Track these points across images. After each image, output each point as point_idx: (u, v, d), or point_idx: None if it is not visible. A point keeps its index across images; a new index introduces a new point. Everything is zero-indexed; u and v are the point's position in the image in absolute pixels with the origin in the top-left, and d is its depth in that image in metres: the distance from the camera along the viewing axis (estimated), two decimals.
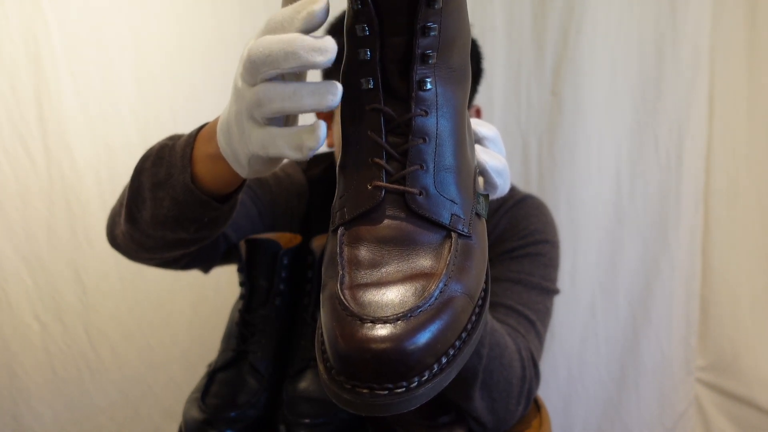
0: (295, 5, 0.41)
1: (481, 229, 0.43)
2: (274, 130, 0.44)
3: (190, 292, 1.31)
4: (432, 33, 0.38)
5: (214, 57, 1.26)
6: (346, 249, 0.39)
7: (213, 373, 0.73)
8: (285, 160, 0.67)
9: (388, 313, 0.33)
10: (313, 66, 0.39)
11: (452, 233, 0.39)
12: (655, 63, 1.34)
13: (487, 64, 0.96)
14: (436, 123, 0.40)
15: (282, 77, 0.43)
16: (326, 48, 0.39)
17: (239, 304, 0.79)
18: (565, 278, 1.36)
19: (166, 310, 1.31)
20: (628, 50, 1.34)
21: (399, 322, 0.33)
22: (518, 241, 0.85)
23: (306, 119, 0.47)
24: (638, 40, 1.33)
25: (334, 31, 0.86)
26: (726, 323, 1.39)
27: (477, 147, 0.49)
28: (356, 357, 0.32)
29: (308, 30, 0.40)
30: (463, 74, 0.43)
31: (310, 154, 0.42)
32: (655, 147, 1.37)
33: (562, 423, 1.45)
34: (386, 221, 0.39)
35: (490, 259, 0.82)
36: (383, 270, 0.37)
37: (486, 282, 0.42)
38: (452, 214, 0.40)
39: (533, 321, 0.78)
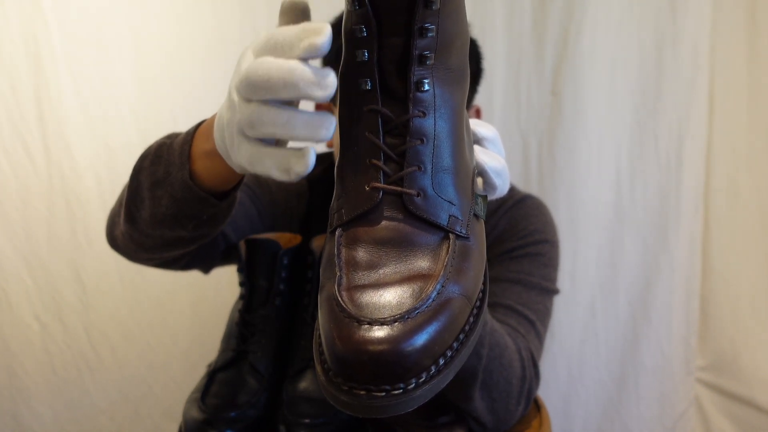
0: (298, 28, 0.40)
1: (479, 230, 0.43)
2: (264, 149, 0.44)
3: (190, 292, 1.31)
4: (430, 34, 0.38)
5: (214, 57, 1.26)
6: (343, 250, 0.39)
7: (213, 373, 0.73)
8: None
9: (386, 314, 0.33)
10: (311, 99, 0.39)
11: (450, 234, 0.39)
12: (655, 63, 1.33)
13: (487, 64, 0.96)
14: (434, 124, 0.40)
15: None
16: (326, 84, 0.39)
17: (239, 304, 0.79)
18: (565, 278, 1.36)
19: (166, 310, 1.31)
20: (628, 50, 1.34)
21: (396, 323, 0.33)
22: (518, 241, 0.85)
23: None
24: (638, 40, 1.33)
25: (335, 31, 0.86)
26: (726, 323, 1.39)
27: (476, 147, 0.49)
28: (353, 359, 0.32)
29: (309, 59, 0.40)
30: (462, 75, 0.43)
31: (297, 178, 0.42)
32: (655, 147, 1.36)
33: (562, 423, 1.45)
34: (384, 222, 0.39)
35: (490, 259, 0.82)
36: (381, 271, 0.37)
37: (484, 283, 0.42)
38: (450, 216, 0.40)
39: (533, 321, 0.78)
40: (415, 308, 0.34)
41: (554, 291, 0.85)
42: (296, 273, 0.80)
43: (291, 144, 0.46)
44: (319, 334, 0.37)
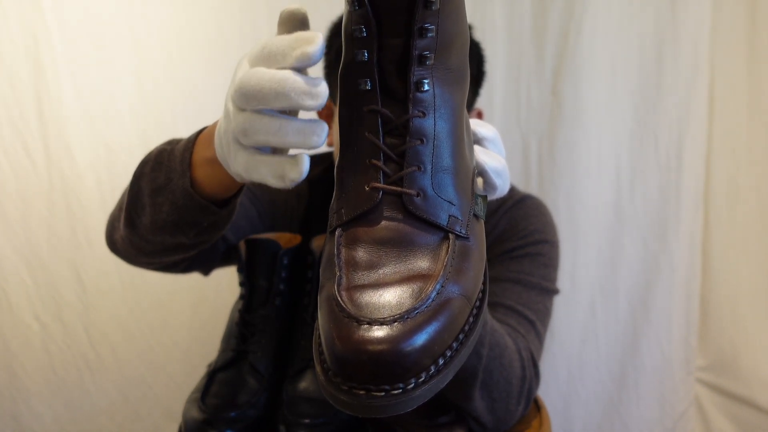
0: (291, 38, 0.41)
1: (479, 230, 0.43)
2: (259, 157, 0.44)
3: (191, 293, 1.31)
4: (429, 34, 0.38)
5: (215, 57, 1.26)
6: (343, 250, 0.39)
7: (213, 373, 0.73)
8: None
9: (385, 314, 0.33)
10: (303, 109, 0.40)
11: (450, 234, 0.39)
12: (655, 63, 1.34)
13: (487, 65, 0.96)
14: (433, 124, 0.40)
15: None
16: (318, 93, 0.40)
17: (239, 304, 0.79)
18: (565, 278, 1.36)
19: (166, 310, 1.31)
20: (628, 50, 1.34)
21: (396, 323, 0.33)
22: (518, 241, 0.85)
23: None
24: (638, 40, 1.33)
25: (336, 31, 0.86)
26: (726, 323, 1.39)
27: (476, 147, 0.49)
28: (353, 358, 0.32)
29: (302, 68, 0.41)
30: (461, 75, 0.43)
31: (292, 185, 0.43)
32: (655, 147, 1.37)
33: (562, 423, 1.45)
34: (384, 222, 0.39)
35: (490, 260, 0.82)
36: (380, 271, 0.37)
37: (484, 283, 0.42)
38: (450, 216, 0.40)
39: (533, 321, 0.78)
40: (415, 308, 0.34)
41: (554, 291, 0.85)
42: (296, 273, 0.80)
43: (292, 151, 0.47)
44: (319, 334, 0.37)
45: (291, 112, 0.46)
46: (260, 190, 0.90)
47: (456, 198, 0.41)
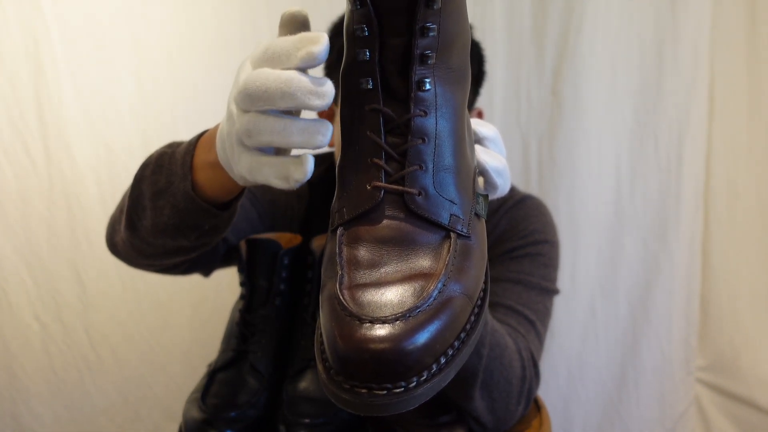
0: (295, 38, 0.41)
1: (481, 229, 0.43)
2: (263, 158, 0.45)
3: (191, 293, 1.31)
4: (431, 33, 0.38)
5: (215, 57, 1.26)
6: (345, 249, 0.39)
7: (213, 373, 0.73)
8: None
9: (387, 313, 0.34)
10: (309, 108, 0.40)
11: (451, 233, 0.39)
12: (655, 63, 1.34)
13: (487, 65, 0.96)
14: (435, 123, 0.40)
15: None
16: (324, 93, 0.40)
17: (239, 304, 0.79)
18: (565, 278, 1.36)
19: (166, 310, 1.31)
20: (628, 50, 1.34)
21: (398, 322, 0.33)
22: (518, 241, 0.85)
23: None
24: (638, 40, 1.33)
25: (337, 31, 0.86)
26: (726, 323, 1.39)
27: (477, 147, 0.49)
28: (355, 357, 0.32)
29: (307, 68, 0.41)
30: (463, 74, 0.43)
31: (297, 185, 0.43)
32: (655, 147, 1.37)
33: (562, 423, 1.45)
34: (385, 221, 0.39)
35: (490, 259, 0.82)
36: (382, 270, 0.37)
37: (485, 282, 0.42)
38: (451, 215, 0.40)
39: (533, 321, 0.78)
40: (417, 307, 0.34)
41: (554, 291, 0.85)
42: (296, 273, 0.80)
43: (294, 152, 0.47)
44: (321, 333, 0.37)
45: (294, 113, 0.46)
46: (261, 190, 0.90)
47: (457, 197, 0.41)
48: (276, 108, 0.41)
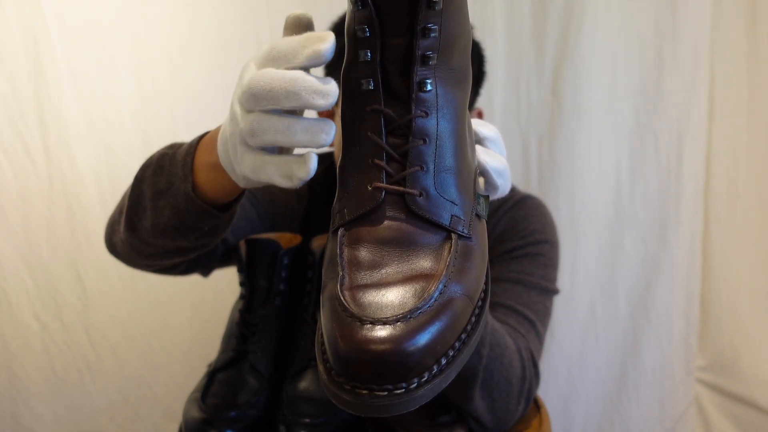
0: (302, 37, 0.41)
1: (481, 230, 0.43)
2: (266, 157, 0.45)
3: (191, 293, 1.31)
4: (432, 34, 0.38)
5: (215, 57, 1.26)
6: (346, 250, 0.39)
7: (213, 373, 0.73)
8: None
9: (388, 314, 0.33)
10: (313, 108, 0.40)
11: (452, 234, 0.39)
12: (655, 63, 1.34)
13: (487, 65, 0.96)
14: (436, 124, 0.40)
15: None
16: (328, 92, 0.40)
17: (239, 304, 0.79)
18: (565, 278, 1.36)
19: (166, 310, 1.31)
20: (628, 50, 1.34)
21: (398, 323, 0.33)
22: (518, 241, 0.85)
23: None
24: (638, 40, 1.33)
25: (337, 31, 0.86)
26: (726, 323, 1.39)
27: (478, 147, 0.49)
28: (356, 358, 0.32)
29: (312, 66, 0.41)
30: (464, 75, 0.43)
31: (300, 183, 0.43)
32: (655, 147, 1.37)
33: (562, 423, 1.45)
34: (386, 222, 0.39)
35: (490, 260, 0.82)
36: (383, 271, 0.37)
37: (486, 283, 0.42)
38: (452, 215, 0.40)
39: (533, 321, 0.78)
40: (418, 308, 0.34)
41: (554, 291, 0.85)
42: (296, 273, 0.80)
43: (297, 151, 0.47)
44: (322, 334, 0.37)
45: (298, 113, 0.46)
46: (260, 190, 0.90)
47: (458, 198, 0.41)
48: (280, 107, 0.41)
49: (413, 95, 0.39)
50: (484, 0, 1.32)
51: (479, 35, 1.16)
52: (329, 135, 0.42)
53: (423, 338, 0.33)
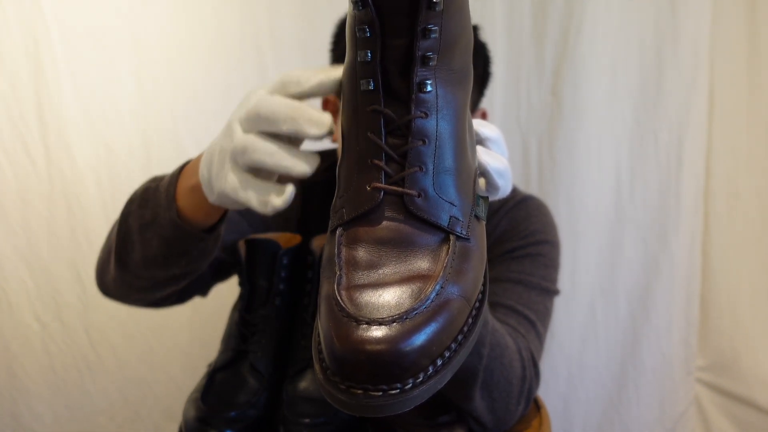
0: (314, 67, 0.46)
1: (480, 231, 0.43)
2: (250, 179, 0.48)
3: None
4: (433, 35, 0.38)
5: (215, 57, 1.26)
6: (344, 250, 0.39)
7: (213, 373, 0.73)
8: None
9: (384, 314, 0.33)
10: (307, 135, 0.44)
11: (450, 235, 0.39)
12: (655, 63, 1.34)
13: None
14: (436, 125, 0.40)
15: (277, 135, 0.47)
16: (323, 122, 0.44)
17: (239, 304, 0.79)
18: (565, 278, 1.36)
19: (166, 310, 1.31)
20: (628, 50, 1.34)
21: (394, 323, 0.33)
22: (519, 242, 0.85)
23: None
24: (638, 40, 1.33)
25: (341, 28, 0.86)
26: (726, 323, 1.39)
27: (479, 148, 0.49)
28: (351, 358, 0.32)
29: (319, 95, 0.45)
30: (465, 76, 0.43)
31: (272, 212, 0.47)
32: (655, 147, 1.37)
33: (562, 423, 1.45)
34: (385, 223, 0.39)
35: (491, 260, 0.82)
36: (380, 271, 0.37)
37: (484, 284, 0.42)
38: (451, 217, 0.40)
39: (533, 321, 0.78)
40: (414, 309, 0.34)
41: (555, 291, 0.85)
42: (296, 273, 0.79)
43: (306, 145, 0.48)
44: (318, 333, 0.37)
45: (294, 142, 0.50)
46: None
47: (457, 199, 0.41)
48: (278, 130, 0.44)
49: (413, 96, 0.39)
50: (484, 0, 1.32)
51: (480, 35, 1.16)
52: (311, 167, 0.46)
53: (419, 339, 0.33)
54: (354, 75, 0.41)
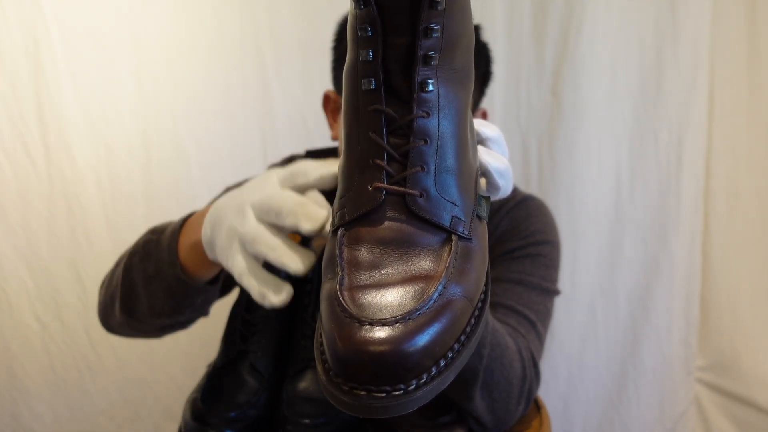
0: (318, 162, 0.49)
1: (482, 231, 0.43)
2: (255, 268, 0.51)
3: None
4: (435, 34, 0.38)
5: (215, 57, 1.26)
6: (345, 250, 0.39)
7: (213, 373, 0.73)
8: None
9: (387, 315, 0.33)
10: (302, 231, 0.47)
11: (452, 235, 0.39)
12: (655, 63, 1.34)
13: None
14: (437, 124, 0.40)
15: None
16: (316, 219, 0.48)
17: (239, 304, 0.79)
18: (565, 278, 1.36)
19: None
20: (628, 50, 1.34)
21: (397, 324, 0.33)
22: (519, 242, 0.85)
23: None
24: (638, 40, 1.33)
25: (344, 26, 0.86)
26: (726, 323, 1.39)
27: (480, 148, 0.49)
28: (354, 359, 0.32)
29: (320, 186, 0.49)
30: (466, 75, 0.42)
31: (269, 306, 0.50)
32: (655, 147, 1.37)
33: (562, 423, 1.45)
34: (386, 223, 0.39)
35: (491, 260, 0.82)
36: (383, 272, 0.37)
37: (486, 284, 0.41)
38: (453, 216, 0.40)
39: (534, 321, 0.78)
40: (417, 309, 0.33)
41: (555, 292, 0.85)
42: None
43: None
44: (321, 334, 0.37)
45: (309, 243, 0.55)
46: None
47: (459, 199, 0.41)
48: (283, 224, 0.48)
49: (415, 95, 0.39)
50: (484, 0, 1.32)
51: (481, 35, 1.16)
52: (305, 267, 0.50)
53: (422, 340, 0.33)
54: (355, 74, 0.41)
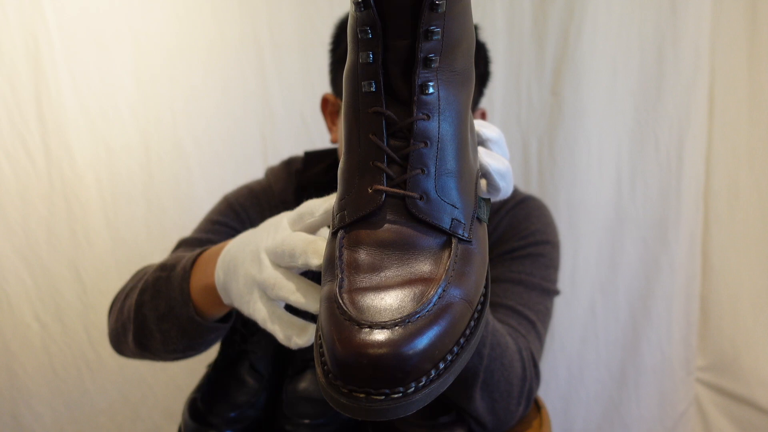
0: (323, 199, 0.50)
1: (482, 233, 0.43)
2: (279, 312, 0.50)
3: None
4: (435, 37, 0.38)
5: (214, 57, 1.26)
6: (345, 252, 0.39)
7: (213, 373, 0.73)
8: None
9: (386, 318, 0.33)
10: (312, 268, 0.48)
11: (452, 238, 0.39)
12: (655, 63, 1.33)
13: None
14: (438, 127, 0.40)
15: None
16: (321, 254, 0.47)
17: None
18: (565, 278, 1.36)
19: None
20: (628, 50, 1.34)
21: (397, 327, 0.32)
22: (519, 242, 0.85)
23: None
24: (638, 40, 1.33)
25: (343, 28, 0.86)
26: (726, 323, 1.39)
27: (480, 149, 0.49)
28: (353, 362, 0.32)
29: (327, 222, 0.49)
30: (467, 77, 0.42)
31: (295, 348, 0.50)
32: (655, 147, 1.37)
33: (563, 423, 1.45)
34: (386, 225, 0.39)
35: (491, 260, 0.82)
36: (382, 274, 0.37)
37: (486, 287, 0.41)
38: (453, 219, 0.40)
39: (534, 321, 0.78)
40: (416, 312, 0.33)
41: (555, 292, 0.85)
42: None
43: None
44: (320, 336, 0.37)
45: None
46: (242, 225, 0.90)
47: (459, 201, 0.40)
48: (296, 265, 0.48)
49: (415, 98, 0.39)
50: (485, 0, 1.32)
51: (479, 35, 1.16)
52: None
53: (421, 343, 0.33)
54: (355, 77, 0.40)
